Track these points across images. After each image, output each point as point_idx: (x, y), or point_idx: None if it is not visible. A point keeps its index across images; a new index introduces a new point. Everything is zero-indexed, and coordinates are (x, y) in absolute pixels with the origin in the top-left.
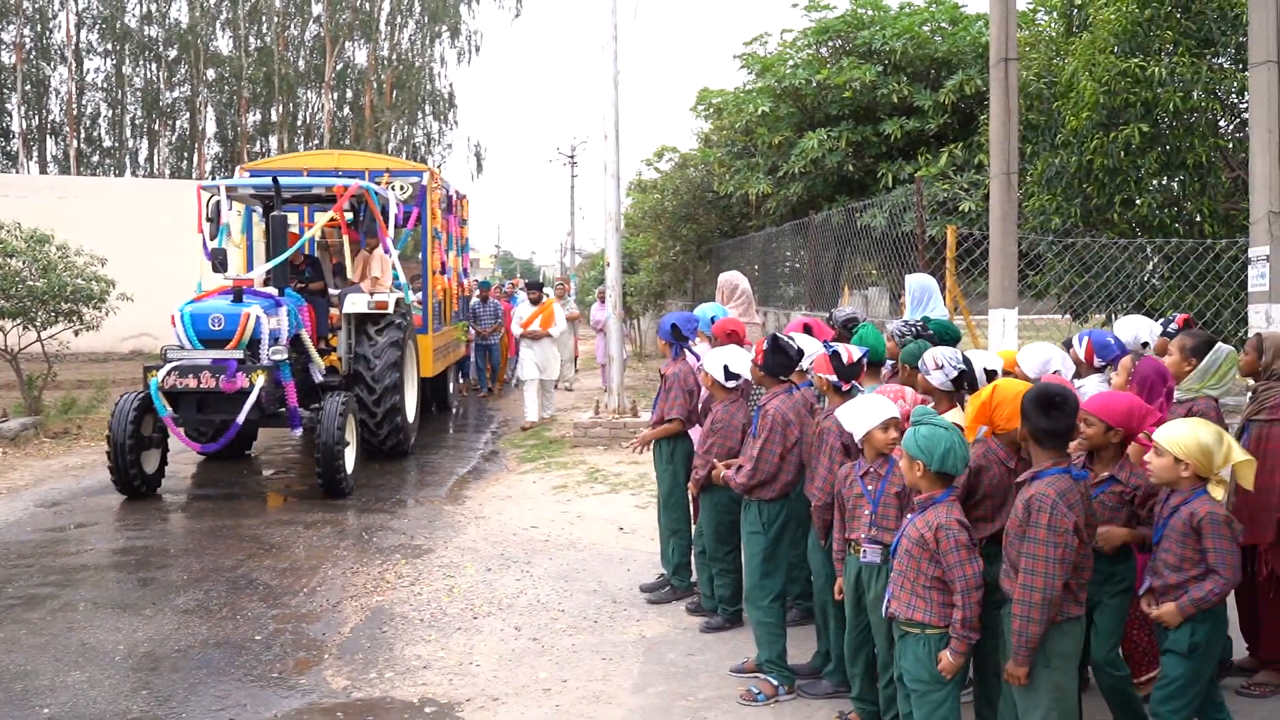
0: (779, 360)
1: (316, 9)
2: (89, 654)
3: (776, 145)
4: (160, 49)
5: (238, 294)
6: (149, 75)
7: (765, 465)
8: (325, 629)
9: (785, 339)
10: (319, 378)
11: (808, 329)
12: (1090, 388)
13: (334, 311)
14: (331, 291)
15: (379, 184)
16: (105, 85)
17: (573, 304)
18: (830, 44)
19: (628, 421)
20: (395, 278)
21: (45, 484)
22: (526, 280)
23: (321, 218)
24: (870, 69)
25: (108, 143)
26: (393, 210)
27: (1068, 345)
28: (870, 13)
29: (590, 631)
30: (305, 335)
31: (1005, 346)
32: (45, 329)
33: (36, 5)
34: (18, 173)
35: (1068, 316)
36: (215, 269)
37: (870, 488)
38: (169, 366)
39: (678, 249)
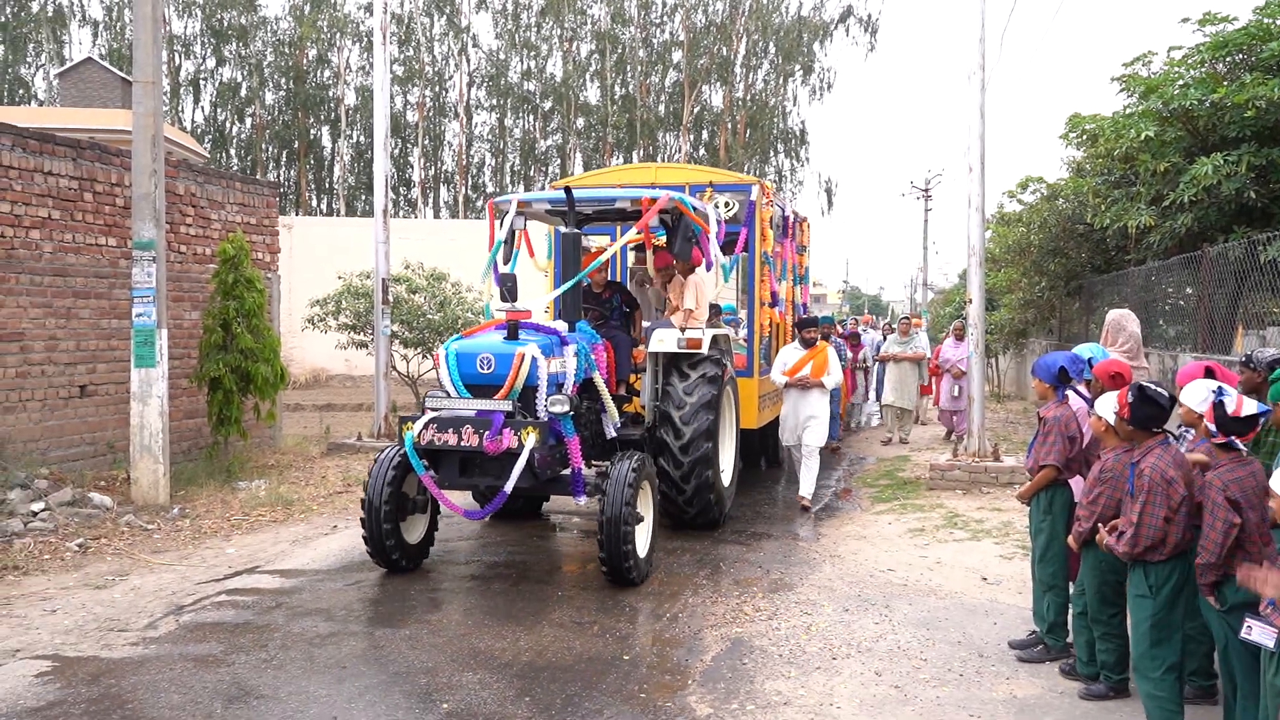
0: (1149, 411)
1: (676, 56)
2: (479, 657)
3: (1162, 173)
4: (537, 101)
5: (513, 329)
6: (526, 126)
7: (1147, 531)
8: (688, 655)
9: (1152, 387)
10: (613, 432)
11: (1209, 372)
12: None
13: (640, 350)
14: (644, 324)
15: (700, 199)
16: (490, 137)
17: (920, 342)
18: (1229, 59)
19: (988, 465)
20: (723, 309)
21: None
22: (800, 318)
23: (624, 237)
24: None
25: (490, 188)
26: (712, 228)
27: None
28: None
29: (956, 685)
30: (599, 379)
31: None
32: None
33: (435, 68)
34: (416, 218)
35: None
36: (503, 298)
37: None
38: (426, 418)
39: (1044, 285)
